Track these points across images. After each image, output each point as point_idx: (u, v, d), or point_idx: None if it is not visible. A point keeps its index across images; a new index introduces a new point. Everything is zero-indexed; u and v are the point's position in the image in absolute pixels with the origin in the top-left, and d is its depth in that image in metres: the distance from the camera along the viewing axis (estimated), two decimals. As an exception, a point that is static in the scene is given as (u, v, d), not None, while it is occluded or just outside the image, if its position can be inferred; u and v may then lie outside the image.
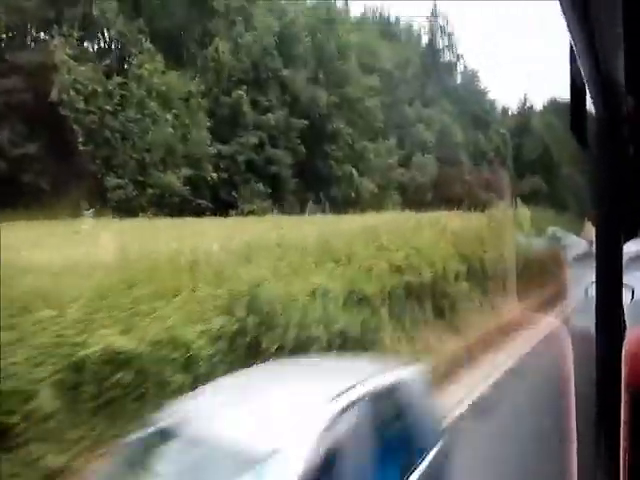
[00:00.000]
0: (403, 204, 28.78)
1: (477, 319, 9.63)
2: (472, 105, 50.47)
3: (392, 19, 51.55)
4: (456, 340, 8.39)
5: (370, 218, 12.87)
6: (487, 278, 10.62)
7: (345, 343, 5.37)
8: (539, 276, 12.35)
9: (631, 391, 0.86)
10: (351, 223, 10.85)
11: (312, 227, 8.68)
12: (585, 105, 1.21)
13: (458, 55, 49.71)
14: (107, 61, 20.45)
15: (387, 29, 52.02)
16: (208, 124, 22.06)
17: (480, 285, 10.38)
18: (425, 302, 8.23)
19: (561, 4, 0.91)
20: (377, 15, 51.23)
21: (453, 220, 12.23)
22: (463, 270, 9.75)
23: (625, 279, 1.15)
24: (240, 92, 23.00)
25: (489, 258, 10.73)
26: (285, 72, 26.08)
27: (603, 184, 1.08)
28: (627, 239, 1.96)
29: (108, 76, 19.30)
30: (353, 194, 29.46)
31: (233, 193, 23.03)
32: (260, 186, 23.69)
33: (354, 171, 29.13)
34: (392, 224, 10.20)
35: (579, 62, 1.07)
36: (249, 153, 23.79)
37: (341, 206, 23.58)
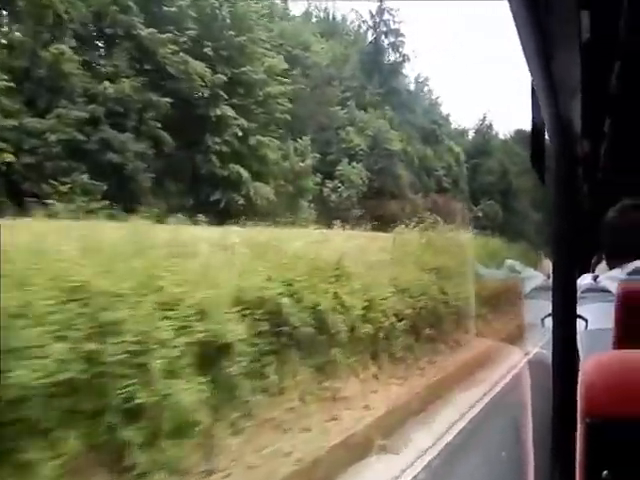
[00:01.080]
0: (322, 218, 23.80)
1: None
2: (420, 115, 46.75)
3: (338, 17, 47.85)
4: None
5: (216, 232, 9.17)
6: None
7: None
8: (499, 307, 12.82)
9: (587, 421, 0.86)
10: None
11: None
12: (544, 143, 1.34)
13: (404, 55, 45.28)
14: None
15: (330, 26, 48.40)
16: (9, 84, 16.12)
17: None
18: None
19: (524, 49, 1.01)
20: (320, 12, 47.71)
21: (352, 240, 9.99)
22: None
23: (579, 311, 1.24)
24: (61, 47, 17.88)
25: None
26: (145, 32, 21.14)
27: (559, 221, 1.18)
28: (581, 274, 2.19)
29: None
30: (242, 201, 24.41)
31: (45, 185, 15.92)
32: (85, 178, 17.62)
33: (243, 172, 24.48)
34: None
35: (540, 102, 1.18)
36: (71, 132, 18.05)
37: (225, 215, 19.44)
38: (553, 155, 1.21)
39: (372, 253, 9.12)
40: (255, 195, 23.87)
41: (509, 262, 18.77)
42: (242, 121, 23.93)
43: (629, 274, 2.02)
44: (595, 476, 0.83)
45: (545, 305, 1.43)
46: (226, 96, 23.58)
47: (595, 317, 1.90)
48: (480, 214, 37.43)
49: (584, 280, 2.19)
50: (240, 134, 23.78)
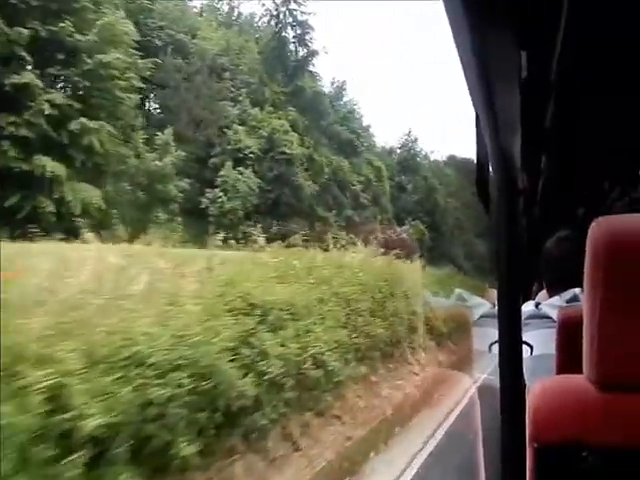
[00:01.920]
0: (197, 235, 17.91)
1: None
2: (334, 122, 40.97)
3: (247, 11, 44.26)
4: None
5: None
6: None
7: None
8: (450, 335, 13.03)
9: (534, 446, 0.89)
10: None
11: None
12: (488, 174, 1.40)
13: (313, 51, 39.52)
14: None
15: (230, 16, 43.21)
16: None
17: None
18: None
19: (468, 82, 1.08)
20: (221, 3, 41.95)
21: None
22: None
23: (523, 337, 1.31)
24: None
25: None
26: None
27: (502, 251, 1.21)
28: (524, 301, 2.27)
29: None
30: (51, 207, 17.16)
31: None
32: None
33: (56, 167, 17.25)
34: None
35: (484, 135, 1.24)
36: None
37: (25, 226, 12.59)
38: (496, 187, 1.24)
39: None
40: (74, 200, 17.56)
41: (457, 291, 16.78)
42: (56, 96, 18.02)
43: (567, 301, 2.21)
44: None
45: (492, 332, 1.55)
46: (31, 59, 17.66)
47: (538, 343, 2.03)
48: (404, 235, 33.32)
49: (527, 307, 2.31)
50: (54, 114, 17.66)
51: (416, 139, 49.94)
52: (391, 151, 50.64)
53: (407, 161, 48.65)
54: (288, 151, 30.70)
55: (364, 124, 45.94)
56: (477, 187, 1.52)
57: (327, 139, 39.07)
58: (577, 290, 2.25)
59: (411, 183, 46.29)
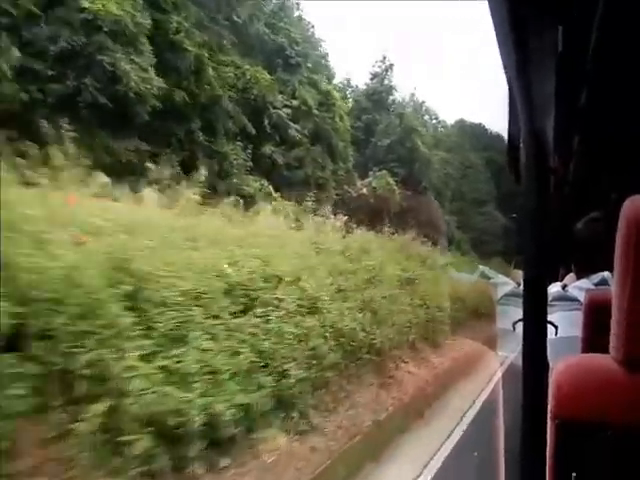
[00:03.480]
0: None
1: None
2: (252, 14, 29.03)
3: None
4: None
5: None
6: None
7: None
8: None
9: (557, 422, 0.93)
10: None
11: None
12: (519, 153, 1.44)
13: None
14: None
15: None
16: None
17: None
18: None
19: (503, 62, 1.20)
20: None
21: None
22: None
23: (549, 318, 1.41)
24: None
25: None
26: None
27: (530, 230, 1.29)
28: (550, 282, 2.42)
29: None
30: None
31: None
32: None
33: None
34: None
35: (517, 114, 1.31)
36: None
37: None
38: (526, 167, 1.33)
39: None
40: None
41: (481, 268, 21.29)
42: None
43: (596, 284, 2.27)
44: (564, 478, 0.91)
45: (517, 311, 1.62)
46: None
47: (564, 325, 2.10)
48: (364, 190, 29.17)
49: (553, 288, 2.44)
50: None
51: (391, 65, 40.60)
52: (371, 92, 40.82)
53: (379, 94, 39.30)
54: (92, 6, 17.40)
55: (310, 33, 35.80)
56: (509, 165, 1.58)
57: (242, 41, 26.93)
58: (606, 274, 2.41)
59: (383, 123, 38.19)
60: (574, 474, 0.89)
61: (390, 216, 22.36)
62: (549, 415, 0.95)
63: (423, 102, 48.44)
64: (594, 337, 1.70)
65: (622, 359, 0.87)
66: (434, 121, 50.28)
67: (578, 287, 2.35)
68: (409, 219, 24.10)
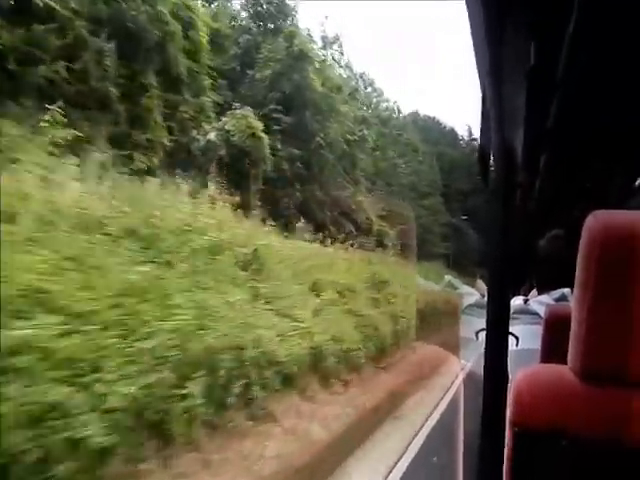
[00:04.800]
0: None
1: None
2: None
3: None
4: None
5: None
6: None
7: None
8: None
9: (515, 430, 0.94)
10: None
11: None
12: (489, 167, 1.47)
13: None
14: None
15: None
16: None
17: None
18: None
19: (479, 73, 1.27)
20: None
21: None
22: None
23: (510, 329, 1.41)
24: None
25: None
26: None
27: (496, 243, 1.28)
28: (513, 296, 2.66)
29: None
30: None
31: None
32: None
33: None
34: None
35: (491, 125, 1.31)
36: None
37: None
38: (495, 179, 1.32)
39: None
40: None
41: (447, 278, 20.94)
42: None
43: (556, 300, 2.38)
44: None
45: (480, 322, 1.84)
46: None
47: (524, 337, 2.19)
48: (211, 136, 17.64)
49: (515, 301, 2.62)
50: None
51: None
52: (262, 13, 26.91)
53: (271, 16, 25.80)
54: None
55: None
56: (481, 177, 1.61)
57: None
58: (566, 290, 2.52)
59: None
60: None
61: (261, 180, 17.78)
62: (507, 423, 0.97)
63: (371, 80, 43.39)
64: (552, 350, 1.76)
65: (579, 370, 0.90)
66: (377, 99, 44.09)
67: (539, 301, 2.42)
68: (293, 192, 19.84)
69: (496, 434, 1.06)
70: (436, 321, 15.80)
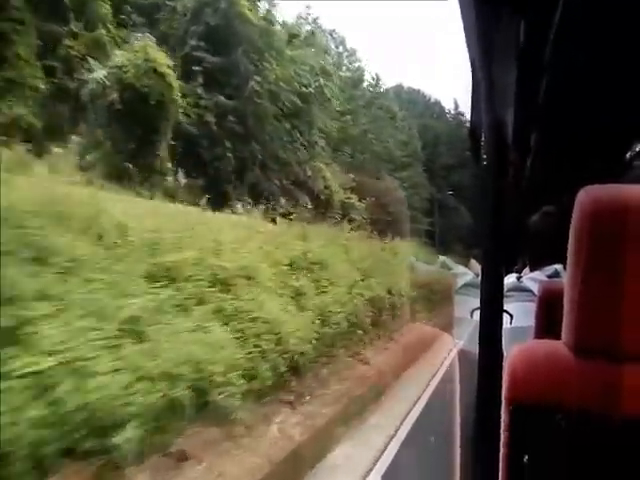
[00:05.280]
0: None
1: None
2: None
3: None
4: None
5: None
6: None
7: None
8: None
9: (510, 407, 0.95)
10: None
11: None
12: (480, 145, 1.49)
13: None
14: None
15: None
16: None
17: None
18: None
19: (469, 51, 1.26)
20: None
21: None
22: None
23: (505, 307, 1.45)
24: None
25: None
26: None
27: (489, 221, 1.33)
28: (506, 274, 2.56)
29: None
30: None
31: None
32: None
33: None
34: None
35: (482, 105, 1.32)
36: None
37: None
38: (487, 159, 1.34)
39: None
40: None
41: (441, 258, 21.11)
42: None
43: (549, 276, 2.37)
44: (517, 460, 0.94)
45: (475, 301, 1.63)
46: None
47: (518, 315, 2.22)
48: (97, 75, 13.43)
49: (509, 279, 2.59)
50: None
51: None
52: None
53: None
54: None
55: None
56: (472, 155, 1.62)
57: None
58: (559, 266, 2.56)
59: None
60: (526, 456, 0.91)
61: (168, 133, 13.50)
62: (503, 400, 0.97)
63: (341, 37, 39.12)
64: (546, 326, 1.81)
65: (572, 345, 0.91)
66: (350, 59, 39.13)
67: (532, 278, 2.48)
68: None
69: (492, 411, 1.08)
70: (428, 303, 15.42)
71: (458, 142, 44.00)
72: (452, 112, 53.64)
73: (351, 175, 24.48)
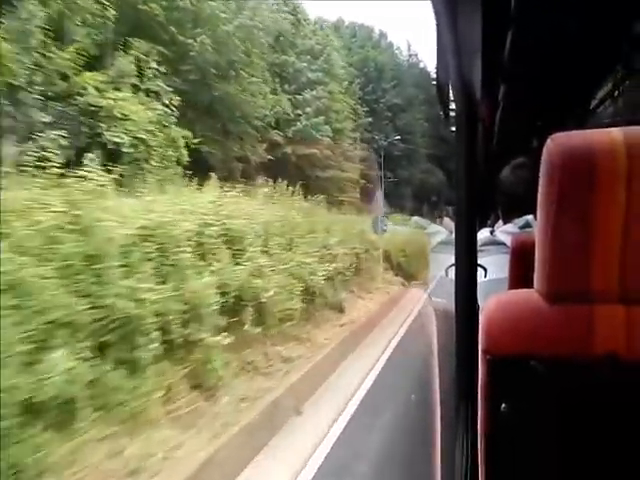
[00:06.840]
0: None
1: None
2: None
3: None
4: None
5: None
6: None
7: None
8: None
9: (487, 358, 0.96)
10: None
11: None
12: (449, 103, 1.53)
13: None
14: None
15: None
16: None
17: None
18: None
19: (434, 10, 1.18)
20: None
21: None
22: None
23: (479, 261, 1.60)
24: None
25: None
26: None
27: (462, 180, 1.34)
28: (480, 228, 2.83)
29: None
30: None
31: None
32: None
33: None
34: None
35: (446, 62, 1.33)
36: None
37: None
38: (456, 116, 1.35)
39: None
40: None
41: (414, 218, 22.15)
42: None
43: (520, 228, 2.44)
44: (495, 410, 0.94)
45: (448, 258, 1.83)
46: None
47: (493, 268, 2.26)
48: None
49: (482, 234, 2.74)
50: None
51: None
52: None
53: None
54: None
55: None
56: (443, 114, 1.65)
57: None
58: (530, 217, 2.55)
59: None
60: (504, 405, 0.92)
61: None
62: (480, 352, 0.98)
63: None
64: (520, 277, 1.83)
65: (545, 292, 0.92)
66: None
67: (505, 231, 2.51)
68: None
69: (470, 363, 1.11)
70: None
71: (409, 79, 41.01)
72: (404, 54, 50.07)
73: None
